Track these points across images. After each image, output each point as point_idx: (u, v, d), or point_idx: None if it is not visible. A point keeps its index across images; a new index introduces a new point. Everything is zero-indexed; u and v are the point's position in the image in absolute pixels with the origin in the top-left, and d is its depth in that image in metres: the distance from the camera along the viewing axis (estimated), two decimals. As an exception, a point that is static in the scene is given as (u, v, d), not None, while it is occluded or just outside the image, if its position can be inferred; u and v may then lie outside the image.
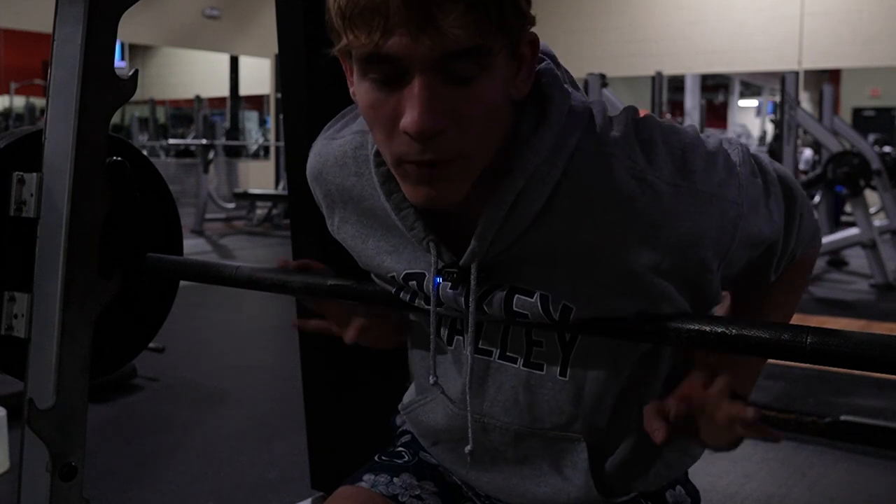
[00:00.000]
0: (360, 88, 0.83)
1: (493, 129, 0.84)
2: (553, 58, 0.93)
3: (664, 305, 0.91)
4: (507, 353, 1.01)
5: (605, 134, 0.88)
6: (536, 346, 0.99)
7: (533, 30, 0.85)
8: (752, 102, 17.57)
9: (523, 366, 1.00)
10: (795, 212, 1.02)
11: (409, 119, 0.78)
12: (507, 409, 1.02)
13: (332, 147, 1.01)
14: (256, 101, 16.08)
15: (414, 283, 0.98)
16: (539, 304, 0.92)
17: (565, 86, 0.90)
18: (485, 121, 0.82)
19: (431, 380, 1.03)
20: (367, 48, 0.78)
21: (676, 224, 0.87)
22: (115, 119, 2.10)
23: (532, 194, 0.87)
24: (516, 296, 0.93)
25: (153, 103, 15.75)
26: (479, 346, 1.01)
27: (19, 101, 14.12)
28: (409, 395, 1.20)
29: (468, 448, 1.02)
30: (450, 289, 0.95)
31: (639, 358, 1.00)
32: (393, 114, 0.80)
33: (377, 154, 0.92)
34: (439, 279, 0.95)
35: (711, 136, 0.96)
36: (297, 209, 1.82)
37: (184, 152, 11.88)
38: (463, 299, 0.94)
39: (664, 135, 0.89)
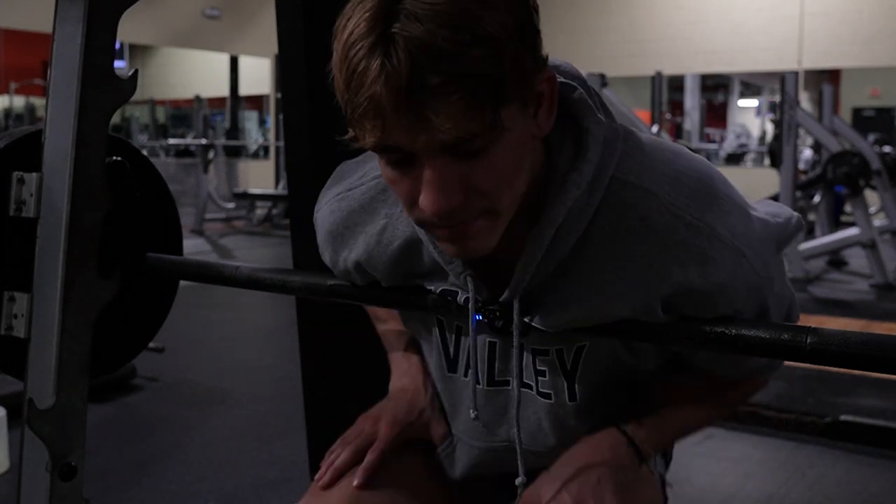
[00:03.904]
0: (380, 163, 0.84)
1: (518, 180, 0.83)
2: (582, 80, 0.92)
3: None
4: (524, 381, 1.03)
5: (640, 164, 0.88)
6: (541, 375, 1.01)
7: None
8: (752, 102, 17.57)
9: (537, 394, 1.03)
10: (788, 318, 1.02)
11: (424, 202, 0.79)
12: (533, 434, 1.05)
13: (354, 197, 1.02)
14: (256, 101, 16.08)
15: (449, 298, 0.99)
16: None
17: (598, 115, 0.89)
18: (505, 182, 0.81)
19: (472, 414, 1.02)
20: (373, 141, 0.78)
21: (703, 267, 0.87)
22: (115, 119, 2.10)
23: (572, 227, 0.88)
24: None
25: (153, 103, 15.75)
26: (496, 378, 1.04)
27: (19, 101, 14.12)
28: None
29: (519, 480, 1.01)
30: (487, 325, 0.96)
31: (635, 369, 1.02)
32: (411, 189, 0.81)
33: None
34: (479, 316, 0.96)
35: (765, 211, 0.98)
36: (297, 209, 1.82)
37: (184, 152, 11.89)
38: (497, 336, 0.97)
39: (698, 173, 0.90)
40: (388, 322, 1.27)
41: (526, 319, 0.94)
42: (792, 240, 1.01)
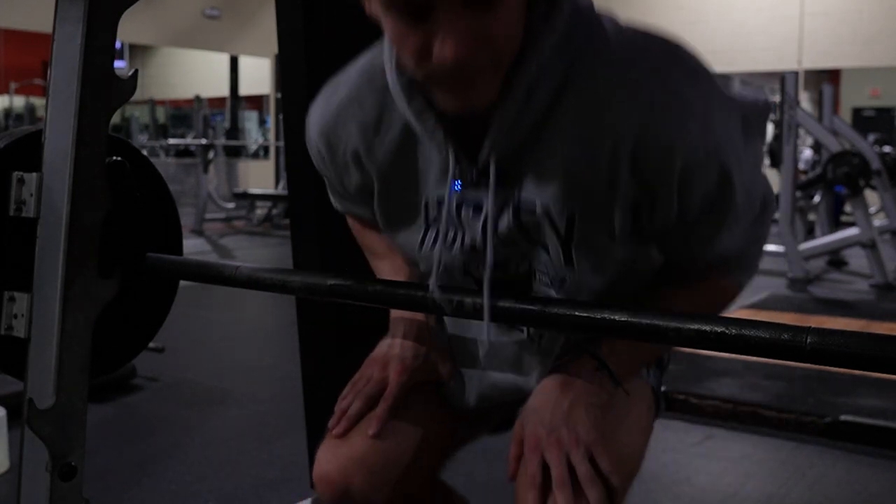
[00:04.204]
0: (385, 22, 0.87)
1: (519, 33, 0.88)
2: None
3: (643, 215, 0.97)
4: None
5: (612, 31, 0.94)
6: (534, 233, 1.02)
7: None
8: (752, 102, 17.58)
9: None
10: (761, 215, 1.04)
11: (442, 52, 0.82)
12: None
13: (340, 95, 1.05)
14: (256, 101, 16.08)
15: (441, 206, 1.02)
16: (545, 212, 0.97)
17: None
18: (512, 33, 0.87)
19: (431, 285, 1.03)
20: None
21: (662, 123, 0.90)
22: (115, 119, 2.10)
23: (544, 82, 0.91)
24: (522, 209, 0.98)
25: (153, 103, 15.74)
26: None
27: (19, 101, 14.12)
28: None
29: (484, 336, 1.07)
30: (467, 191, 0.99)
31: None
32: (421, 42, 0.84)
33: (398, 67, 0.95)
34: (458, 183, 0.99)
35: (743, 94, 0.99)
36: (297, 209, 1.83)
37: (184, 152, 11.88)
38: (483, 204, 0.99)
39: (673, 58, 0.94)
40: (384, 257, 1.27)
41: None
42: (762, 121, 1.01)
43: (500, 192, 0.98)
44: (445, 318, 1.19)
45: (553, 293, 1.05)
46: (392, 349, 1.19)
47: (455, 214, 1.02)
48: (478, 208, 1.01)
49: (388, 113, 1.02)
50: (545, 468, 0.97)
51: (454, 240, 1.04)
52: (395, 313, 1.23)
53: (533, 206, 0.98)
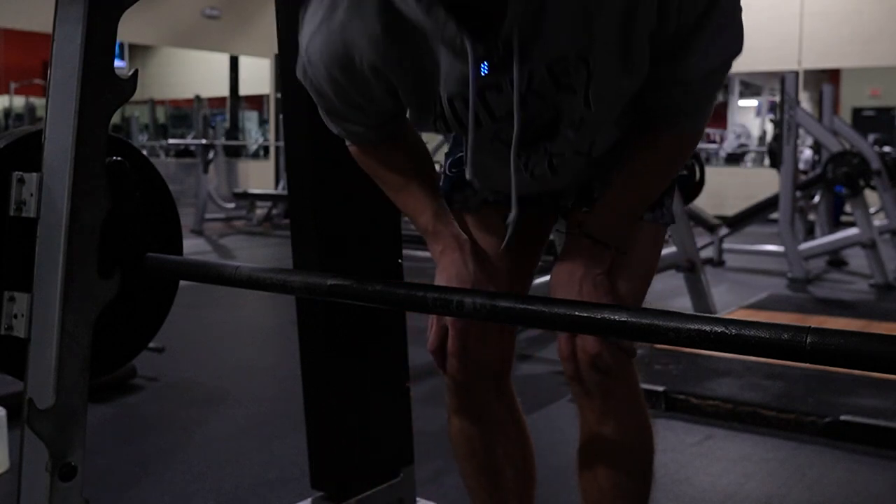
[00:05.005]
0: None
1: None
2: None
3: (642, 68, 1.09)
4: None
5: None
6: (563, 77, 1.09)
7: None
8: (752, 102, 17.56)
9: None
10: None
11: None
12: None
13: (339, 16, 1.08)
14: (256, 101, 16.08)
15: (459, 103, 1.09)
16: (572, 58, 1.05)
17: None
18: None
19: (468, 172, 1.16)
20: None
21: None
22: (115, 119, 2.10)
23: None
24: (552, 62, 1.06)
25: (153, 103, 15.74)
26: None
27: (19, 101, 14.12)
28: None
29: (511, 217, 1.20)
30: (493, 69, 1.04)
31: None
32: None
33: None
34: (485, 66, 1.03)
35: None
36: (297, 209, 1.83)
37: (184, 152, 11.88)
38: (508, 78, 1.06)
39: None
40: (402, 189, 1.33)
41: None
42: None
43: (524, 64, 1.05)
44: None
45: (571, 134, 1.19)
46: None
47: (480, 102, 1.10)
48: (499, 88, 1.09)
49: (393, 19, 1.05)
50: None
51: (481, 122, 1.13)
52: (434, 250, 1.31)
53: (561, 55, 1.05)
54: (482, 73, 1.04)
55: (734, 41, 1.14)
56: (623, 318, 0.92)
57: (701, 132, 1.27)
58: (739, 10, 1.12)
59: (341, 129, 1.28)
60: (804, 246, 6.45)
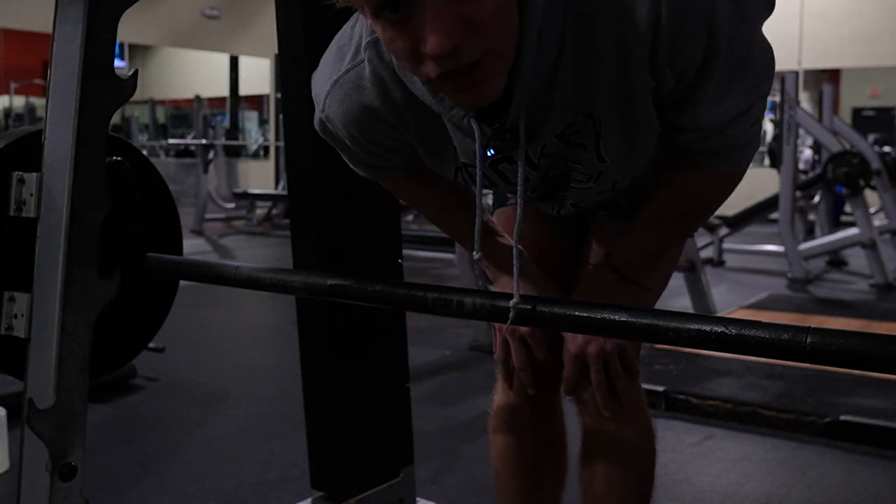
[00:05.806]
0: (377, 29, 0.90)
1: (510, 14, 0.90)
2: None
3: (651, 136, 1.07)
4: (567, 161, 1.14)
5: None
6: (573, 136, 1.09)
7: None
8: (752, 102, 17.57)
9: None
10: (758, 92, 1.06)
11: (430, 44, 0.84)
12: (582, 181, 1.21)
13: (356, 100, 1.08)
14: (256, 101, 16.08)
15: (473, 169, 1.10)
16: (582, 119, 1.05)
17: None
18: (500, 16, 0.88)
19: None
20: None
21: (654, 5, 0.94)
22: (115, 119, 2.10)
23: (550, 29, 0.95)
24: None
25: (153, 103, 15.74)
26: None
27: (19, 101, 14.12)
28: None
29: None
30: (500, 151, 1.05)
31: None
32: (412, 42, 0.86)
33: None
34: (491, 151, 1.04)
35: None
36: (297, 209, 1.82)
37: (183, 152, 11.88)
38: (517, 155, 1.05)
39: None
40: (442, 212, 1.35)
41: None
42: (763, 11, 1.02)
43: (534, 142, 1.06)
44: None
45: (586, 185, 1.18)
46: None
47: (493, 171, 1.13)
48: (511, 160, 1.10)
49: (410, 103, 1.06)
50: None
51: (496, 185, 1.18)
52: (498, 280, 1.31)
53: (570, 122, 1.06)
54: (489, 155, 1.05)
55: (759, 83, 1.05)
56: (623, 318, 0.92)
57: (741, 171, 1.19)
58: (760, 51, 1.03)
59: (367, 173, 1.26)
60: (804, 246, 6.45)
